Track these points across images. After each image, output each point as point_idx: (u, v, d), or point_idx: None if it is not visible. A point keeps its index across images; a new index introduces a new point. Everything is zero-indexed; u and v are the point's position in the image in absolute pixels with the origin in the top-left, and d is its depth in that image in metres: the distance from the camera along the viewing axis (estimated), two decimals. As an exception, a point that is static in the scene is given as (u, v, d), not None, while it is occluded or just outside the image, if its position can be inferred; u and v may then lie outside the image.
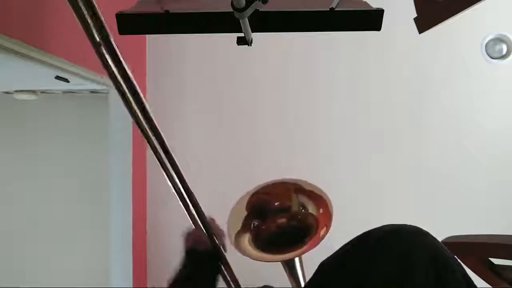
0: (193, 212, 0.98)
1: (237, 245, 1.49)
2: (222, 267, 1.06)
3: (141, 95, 0.75)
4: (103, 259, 2.48)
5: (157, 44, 2.74)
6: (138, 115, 0.78)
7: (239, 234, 1.51)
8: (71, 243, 3.20)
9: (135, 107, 0.76)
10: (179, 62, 2.75)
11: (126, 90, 0.73)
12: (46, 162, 3.33)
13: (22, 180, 3.33)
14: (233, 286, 1.11)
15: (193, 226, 1.02)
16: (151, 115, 0.79)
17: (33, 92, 2.88)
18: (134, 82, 0.73)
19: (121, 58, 0.69)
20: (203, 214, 0.98)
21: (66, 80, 2.09)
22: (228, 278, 1.09)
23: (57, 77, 2.01)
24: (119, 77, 0.71)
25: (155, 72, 2.75)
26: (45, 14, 1.67)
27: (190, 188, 0.98)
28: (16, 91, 2.85)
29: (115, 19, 0.86)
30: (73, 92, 2.97)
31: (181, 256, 1.02)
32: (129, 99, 0.74)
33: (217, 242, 1.03)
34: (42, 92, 2.93)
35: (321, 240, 1.50)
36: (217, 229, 1.07)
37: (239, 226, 1.52)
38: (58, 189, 3.27)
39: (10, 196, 3.32)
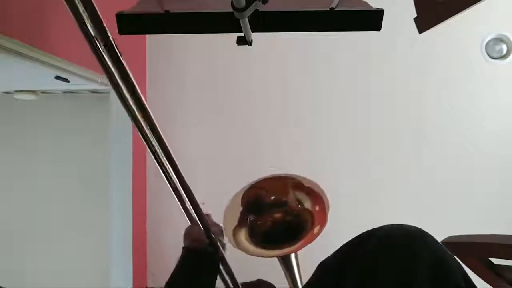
0: (192, 211, 0.99)
1: (236, 242, 1.48)
2: (221, 266, 1.07)
3: (142, 97, 0.75)
4: (103, 259, 2.48)
5: (157, 44, 2.74)
6: (137, 118, 0.78)
7: (236, 230, 1.51)
8: (71, 243, 3.20)
9: (135, 110, 0.76)
10: (179, 62, 2.75)
11: (126, 94, 0.73)
12: (46, 162, 3.32)
13: (22, 180, 3.33)
14: (229, 282, 1.12)
15: (195, 224, 1.03)
16: (152, 118, 0.79)
17: (33, 92, 2.87)
18: (136, 85, 0.73)
19: (123, 62, 0.68)
20: (202, 213, 0.99)
21: (66, 80, 2.08)
22: (225, 275, 1.09)
23: (57, 77, 2.00)
24: (119, 80, 0.71)
25: (155, 72, 2.75)
26: (45, 14, 1.67)
27: (190, 187, 0.98)
28: (16, 91, 2.85)
29: (115, 19, 0.85)
30: (73, 92, 2.97)
31: (181, 252, 1.03)
32: (128, 102, 0.74)
33: (216, 241, 1.03)
34: (42, 92, 2.93)
35: (315, 237, 1.49)
36: (215, 226, 1.07)
37: (235, 221, 1.52)
38: (58, 189, 3.27)
39: (10, 196, 3.32)
